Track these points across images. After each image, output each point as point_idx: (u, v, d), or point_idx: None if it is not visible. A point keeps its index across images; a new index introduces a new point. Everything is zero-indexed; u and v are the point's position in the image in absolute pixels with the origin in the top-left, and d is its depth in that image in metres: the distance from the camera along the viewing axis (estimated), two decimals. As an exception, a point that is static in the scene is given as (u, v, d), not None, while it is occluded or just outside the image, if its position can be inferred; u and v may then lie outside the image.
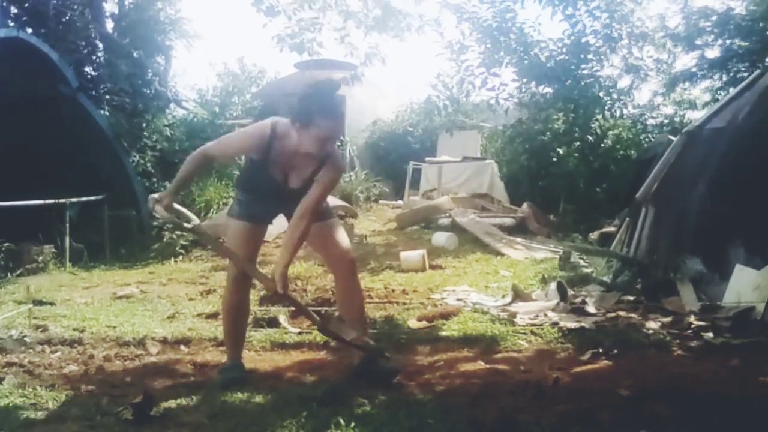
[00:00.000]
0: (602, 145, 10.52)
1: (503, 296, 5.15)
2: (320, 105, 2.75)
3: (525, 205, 10.22)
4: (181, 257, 8.58)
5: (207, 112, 12.26)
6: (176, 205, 3.10)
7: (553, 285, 5.05)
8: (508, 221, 9.61)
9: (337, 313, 4.29)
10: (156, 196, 2.99)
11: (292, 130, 2.81)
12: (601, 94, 10.77)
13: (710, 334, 3.69)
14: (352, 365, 3.11)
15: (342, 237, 3.14)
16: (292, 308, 4.65)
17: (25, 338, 3.87)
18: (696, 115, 10.88)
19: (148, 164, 10.07)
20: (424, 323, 4.32)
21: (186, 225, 3.10)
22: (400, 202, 12.83)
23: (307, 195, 2.90)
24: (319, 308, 4.56)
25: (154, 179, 10.17)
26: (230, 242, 3.09)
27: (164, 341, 3.95)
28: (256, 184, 3.03)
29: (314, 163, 2.89)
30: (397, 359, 3.31)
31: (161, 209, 2.94)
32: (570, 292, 4.88)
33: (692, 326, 3.86)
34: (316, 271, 5.93)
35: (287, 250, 2.90)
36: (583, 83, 10.58)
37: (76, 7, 10.31)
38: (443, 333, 4.00)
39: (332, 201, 7.47)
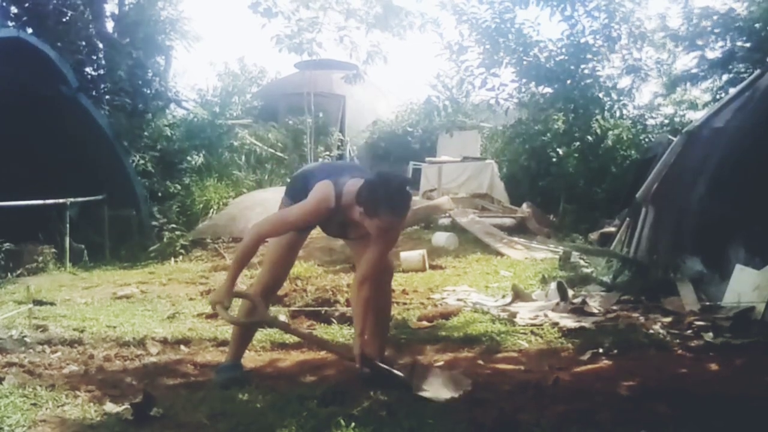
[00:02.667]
0: (602, 145, 10.53)
1: (503, 296, 5.15)
2: (386, 201, 2.66)
3: (525, 205, 10.22)
4: (181, 257, 8.58)
5: (207, 112, 12.26)
6: (238, 291, 3.04)
7: (553, 285, 5.05)
8: (508, 221, 9.61)
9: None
10: (215, 300, 2.85)
11: (356, 206, 2.74)
12: (600, 95, 10.78)
13: (710, 334, 3.69)
14: (362, 371, 3.08)
15: (388, 287, 3.18)
16: (292, 309, 4.66)
17: (25, 338, 3.87)
18: (696, 115, 10.89)
19: (148, 164, 10.07)
20: (425, 323, 4.33)
21: (250, 320, 3.06)
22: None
23: (367, 258, 2.89)
24: (320, 308, 4.58)
25: (154, 179, 10.18)
26: (273, 249, 3.06)
27: (164, 341, 3.94)
28: None
29: None
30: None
31: (225, 313, 2.88)
32: (570, 292, 4.88)
33: (692, 326, 3.86)
34: (316, 271, 5.93)
35: (358, 319, 2.89)
36: (582, 83, 10.58)
37: (76, 7, 10.31)
38: (443, 333, 4.00)
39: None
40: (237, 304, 3.14)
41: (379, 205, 2.66)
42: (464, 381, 2.93)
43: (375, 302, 3.05)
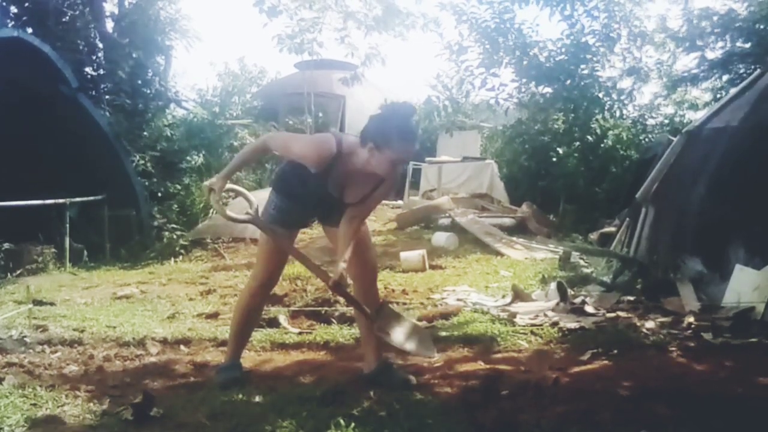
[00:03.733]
0: (602, 145, 10.53)
1: (503, 296, 5.15)
2: (398, 128, 2.66)
3: (525, 205, 10.22)
4: (181, 257, 8.58)
5: (207, 112, 12.26)
6: (233, 186, 3.03)
7: (553, 285, 5.05)
8: (508, 221, 9.61)
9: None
10: (209, 183, 2.89)
11: (361, 149, 2.70)
12: (600, 95, 10.78)
13: (710, 334, 3.69)
14: (362, 372, 3.09)
15: (370, 244, 3.14)
16: (292, 309, 4.66)
17: (25, 338, 3.87)
18: (696, 115, 10.89)
19: (148, 164, 10.07)
20: (424, 323, 4.32)
21: (239, 217, 2.98)
22: (400, 202, 12.84)
23: (363, 204, 2.87)
24: (319, 308, 4.58)
25: (154, 179, 10.18)
26: (263, 248, 3.05)
27: (164, 341, 3.94)
28: (306, 194, 2.89)
29: (375, 181, 2.81)
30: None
31: (216, 201, 2.88)
32: (570, 292, 4.87)
33: (692, 326, 3.86)
34: (316, 272, 5.92)
35: (344, 246, 2.85)
36: (582, 83, 10.58)
37: (76, 7, 10.32)
38: (443, 333, 4.00)
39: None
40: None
41: (391, 133, 2.64)
42: (430, 347, 3.01)
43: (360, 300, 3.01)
